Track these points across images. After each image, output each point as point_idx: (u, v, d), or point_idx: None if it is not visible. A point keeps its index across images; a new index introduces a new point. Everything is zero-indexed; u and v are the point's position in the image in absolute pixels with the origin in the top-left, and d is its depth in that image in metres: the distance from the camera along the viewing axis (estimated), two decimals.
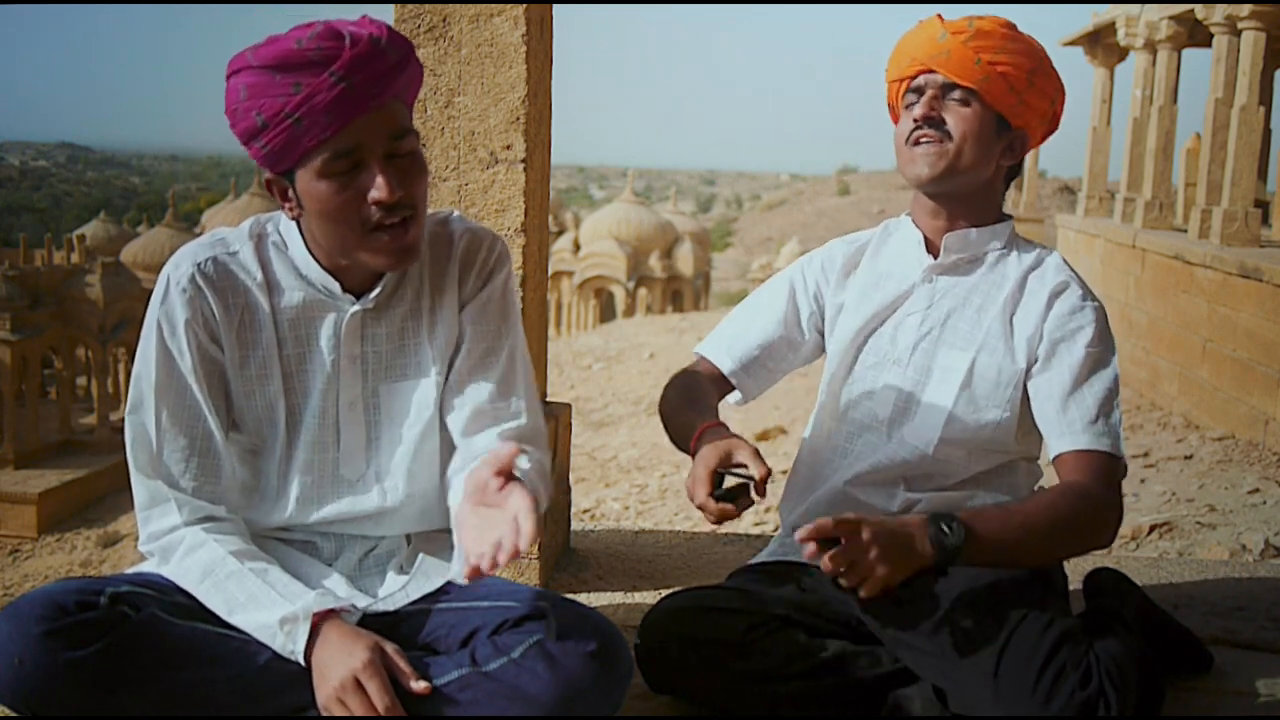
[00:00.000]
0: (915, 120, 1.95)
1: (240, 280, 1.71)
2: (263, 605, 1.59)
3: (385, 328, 1.75)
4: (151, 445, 1.68)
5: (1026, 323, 1.96)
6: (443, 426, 1.78)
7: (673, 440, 2.00)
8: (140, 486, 1.70)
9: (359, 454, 1.76)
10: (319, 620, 1.58)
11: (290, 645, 1.57)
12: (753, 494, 1.70)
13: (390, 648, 1.58)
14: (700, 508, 1.73)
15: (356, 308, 1.72)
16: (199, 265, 1.69)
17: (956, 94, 1.94)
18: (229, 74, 1.59)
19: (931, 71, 1.95)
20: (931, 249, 2.04)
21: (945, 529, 1.66)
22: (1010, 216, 2.07)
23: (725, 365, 2.10)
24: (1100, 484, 1.83)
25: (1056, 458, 1.89)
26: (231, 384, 1.72)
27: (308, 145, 1.56)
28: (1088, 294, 1.97)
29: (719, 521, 1.72)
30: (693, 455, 1.82)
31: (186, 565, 1.65)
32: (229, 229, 1.75)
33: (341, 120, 1.54)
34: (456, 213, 1.85)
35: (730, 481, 1.72)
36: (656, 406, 2.13)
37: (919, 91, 1.97)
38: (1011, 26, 1.95)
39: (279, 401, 1.73)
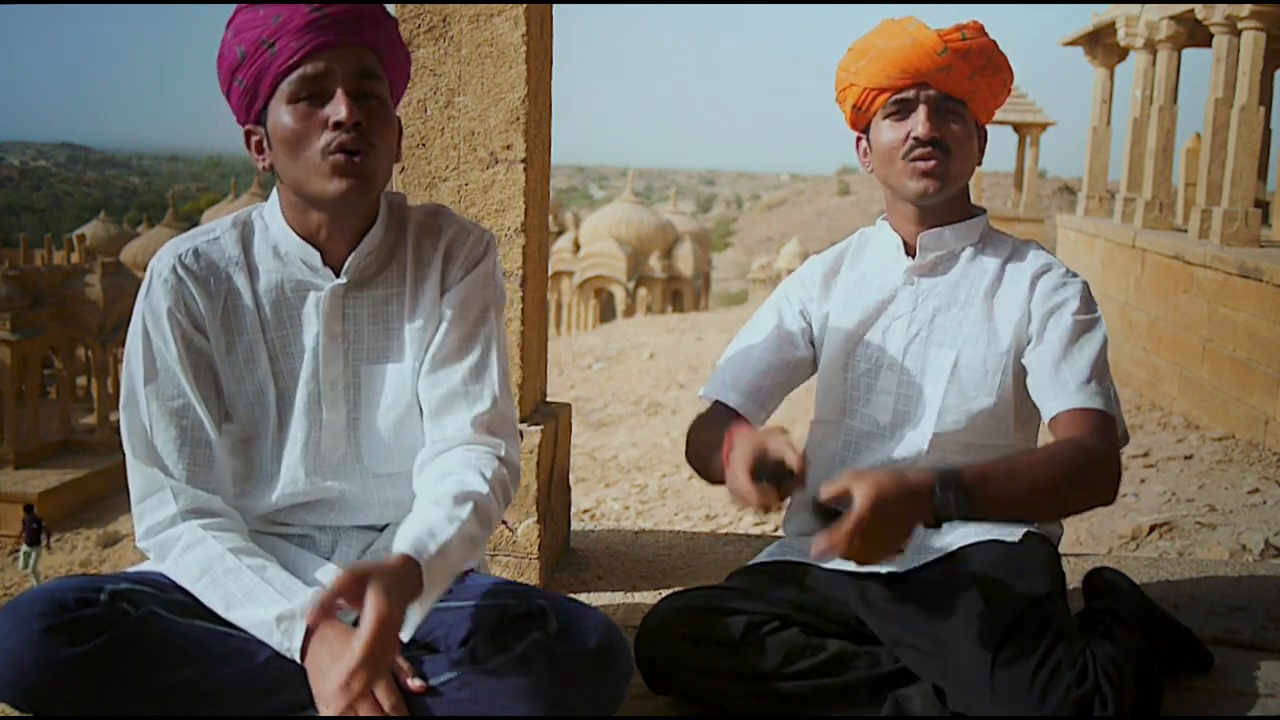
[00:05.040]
0: (917, 139, 1.93)
1: (221, 266, 1.73)
2: (260, 602, 1.59)
3: (367, 308, 1.77)
4: (145, 436, 1.69)
5: (1011, 308, 1.96)
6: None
7: (709, 477, 1.99)
8: (136, 476, 1.71)
9: (340, 434, 1.76)
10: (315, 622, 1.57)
11: (287, 643, 1.57)
12: (794, 478, 1.68)
13: None
14: (744, 498, 1.66)
15: (335, 283, 1.74)
16: (180, 256, 1.72)
17: (950, 108, 1.94)
18: (226, 27, 1.68)
19: (924, 85, 1.93)
20: (910, 251, 2.05)
21: (949, 500, 1.64)
22: (984, 210, 2.08)
23: (733, 400, 2.08)
24: (1097, 438, 1.82)
25: (1052, 420, 1.88)
26: (220, 372, 1.73)
27: (278, 70, 1.62)
28: (1069, 271, 1.99)
29: (765, 509, 1.68)
30: (727, 464, 1.76)
31: (184, 562, 1.65)
32: (215, 220, 1.79)
33: (311, 42, 1.61)
34: (448, 208, 1.87)
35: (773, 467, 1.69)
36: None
37: (906, 104, 1.95)
38: (983, 30, 1.95)
39: (268, 385, 1.74)
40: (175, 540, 1.67)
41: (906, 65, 1.93)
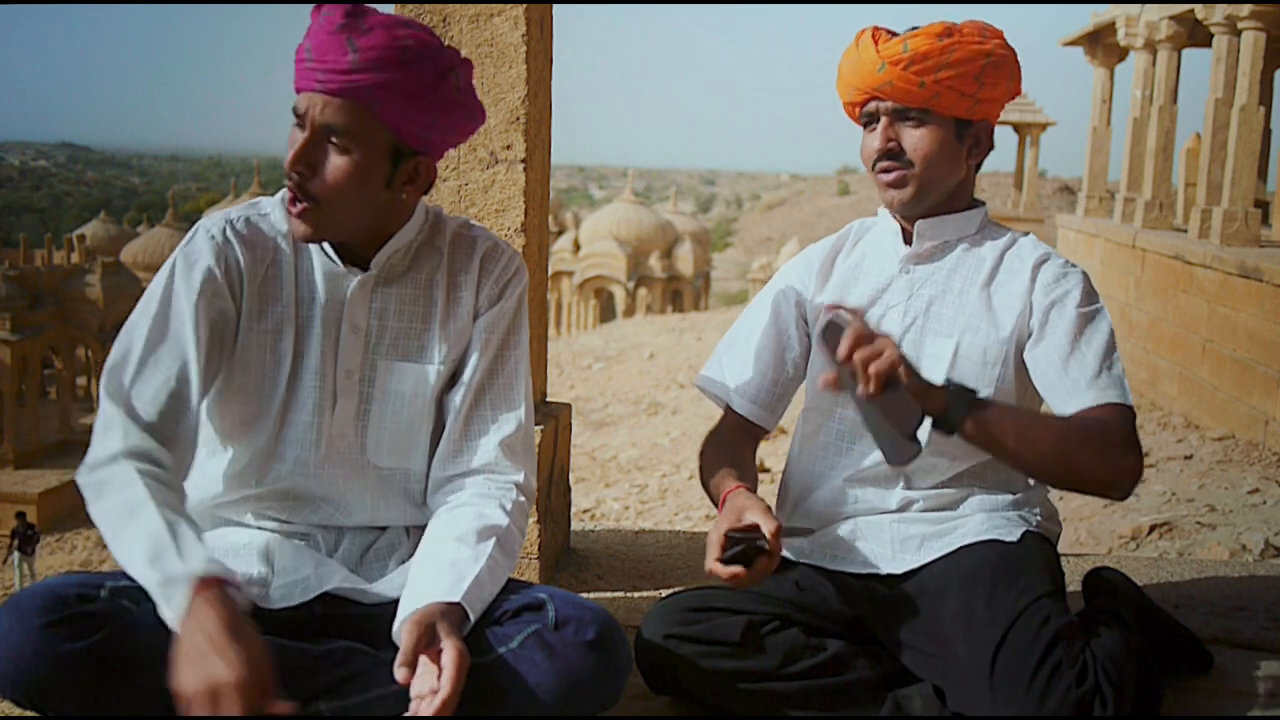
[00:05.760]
0: (874, 150, 1.96)
1: (269, 238, 1.77)
2: (154, 560, 1.48)
3: (395, 305, 1.80)
4: (126, 369, 1.65)
5: (1011, 299, 1.96)
6: (437, 416, 1.82)
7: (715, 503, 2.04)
8: (101, 407, 1.65)
9: (349, 425, 1.78)
10: (202, 590, 1.43)
11: (167, 610, 1.45)
12: (766, 547, 1.75)
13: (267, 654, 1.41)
14: (709, 573, 1.76)
15: (362, 276, 1.77)
16: (231, 220, 1.76)
17: (909, 117, 1.93)
18: None
19: (879, 98, 1.94)
20: (908, 239, 2.04)
21: (957, 394, 1.71)
22: (983, 203, 2.07)
23: (742, 407, 2.10)
24: (1122, 424, 1.82)
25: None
26: (241, 336, 1.74)
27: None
28: (1068, 262, 1.98)
29: (737, 582, 1.75)
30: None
31: (114, 504, 1.55)
32: (265, 197, 1.83)
33: (298, 82, 1.66)
34: (476, 223, 1.91)
35: (747, 543, 1.76)
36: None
37: (872, 116, 1.97)
38: (948, 31, 1.91)
39: (287, 359, 1.76)
40: (110, 480, 1.58)
41: (857, 82, 1.95)
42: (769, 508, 1.80)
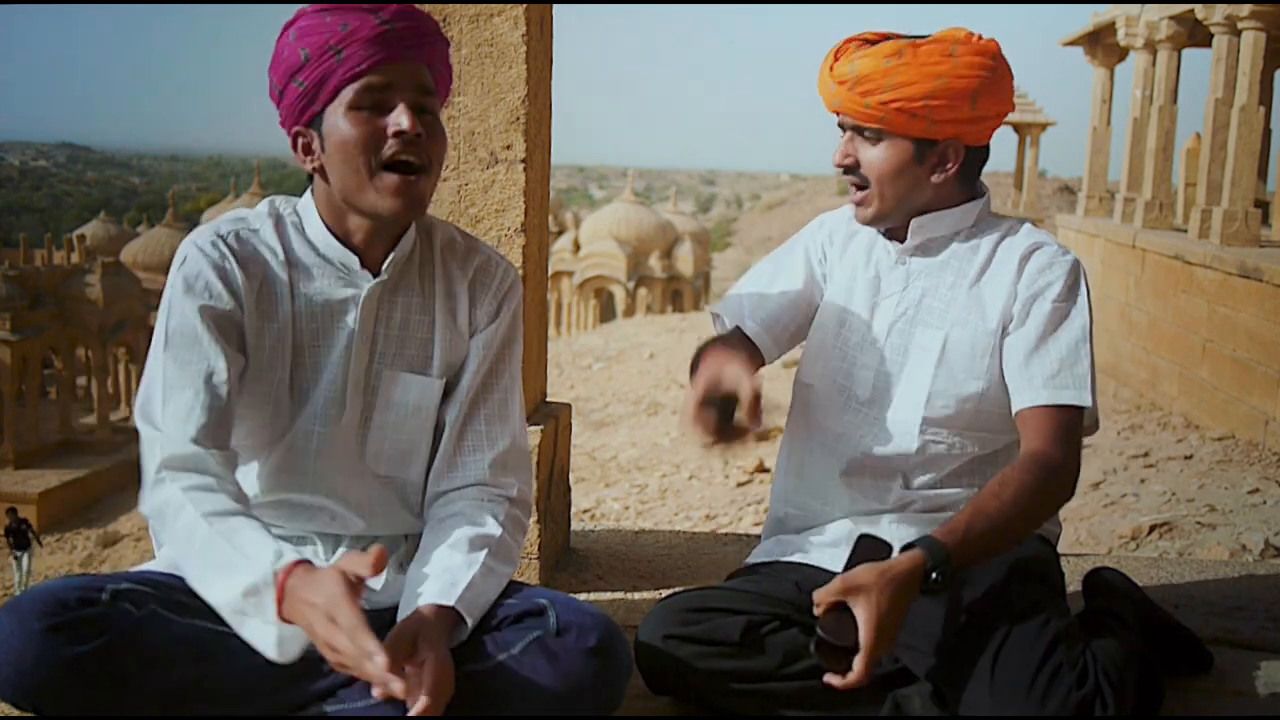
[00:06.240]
0: (835, 164, 1.99)
1: (262, 254, 1.74)
2: (231, 573, 1.50)
3: (399, 313, 1.78)
4: (154, 397, 1.65)
5: (999, 289, 1.95)
6: (435, 428, 1.82)
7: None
8: (141, 437, 1.66)
9: (352, 433, 1.77)
10: (285, 578, 1.47)
11: (258, 616, 1.47)
12: (743, 417, 1.73)
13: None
14: (688, 423, 1.74)
15: (374, 282, 1.75)
16: (222, 235, 1.72)
17: (866, 132, 1.94)
18: (284, 30, 1.69)
19: (840, 113, 1.96)
20: (895, 234, 2.04)
21: (936, 578, 1.67)
22: (983, 194, 2.04)
23: (750, 329, 2.08)
24: (1059, 445, 1.83)
25: (1018, 413, 1.89)
26: (247, 343, 1.71)
27: (342, 77, 1.63)
28: (1060, 250, 1.96)
29: (708, 438, 1.74)
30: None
31: (175, 534, 1.57)
32: (247, 210, 1.79)
33: (378, 54, 1.64)
34: (471, 233, 1.90)
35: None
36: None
37: (841, 127, 1.98)
38: (900, 51, 1.87)
39: (285, 376, 1.73)
40: (163, 510, 1.59)
41: (822, 96, 1.97)
42: (750, 367, 1.78)
